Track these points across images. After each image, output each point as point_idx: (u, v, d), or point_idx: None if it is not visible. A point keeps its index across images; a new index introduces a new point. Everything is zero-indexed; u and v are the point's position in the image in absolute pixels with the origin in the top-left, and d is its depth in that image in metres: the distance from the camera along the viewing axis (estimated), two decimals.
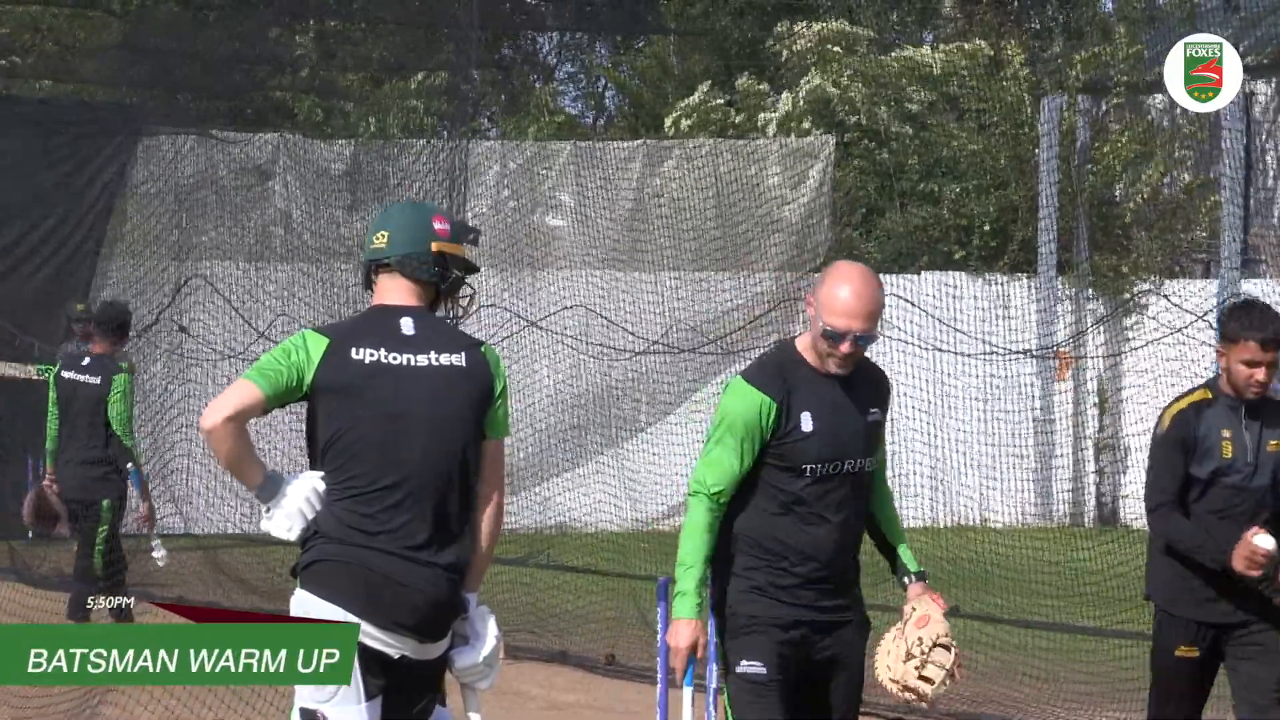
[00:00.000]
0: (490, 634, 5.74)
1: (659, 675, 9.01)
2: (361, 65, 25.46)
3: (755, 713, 5.83)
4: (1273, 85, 25.13)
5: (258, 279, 20.49)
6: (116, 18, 23.34)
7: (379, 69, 25.41)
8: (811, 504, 5.86)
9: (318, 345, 5.77)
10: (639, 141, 24.18)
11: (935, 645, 5.84)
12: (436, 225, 5.89)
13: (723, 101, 25.76)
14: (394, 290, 5.86)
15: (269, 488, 5.70)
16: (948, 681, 5.86)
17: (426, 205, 6.22)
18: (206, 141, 21.80)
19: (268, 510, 5.71)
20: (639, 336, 20.81)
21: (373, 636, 5.60)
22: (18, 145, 20.74)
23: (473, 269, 5.94)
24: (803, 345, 6.02)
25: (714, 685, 8.98)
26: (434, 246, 5.84)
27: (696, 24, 28.70)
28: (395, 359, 5.74)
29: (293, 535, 5.73)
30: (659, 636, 9.06)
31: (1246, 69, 24.83)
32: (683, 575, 5.83)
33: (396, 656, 5.62)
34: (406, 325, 5.79)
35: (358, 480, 5.68)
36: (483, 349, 5.82)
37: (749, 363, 6.16)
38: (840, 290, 5.93)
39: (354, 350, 5.76)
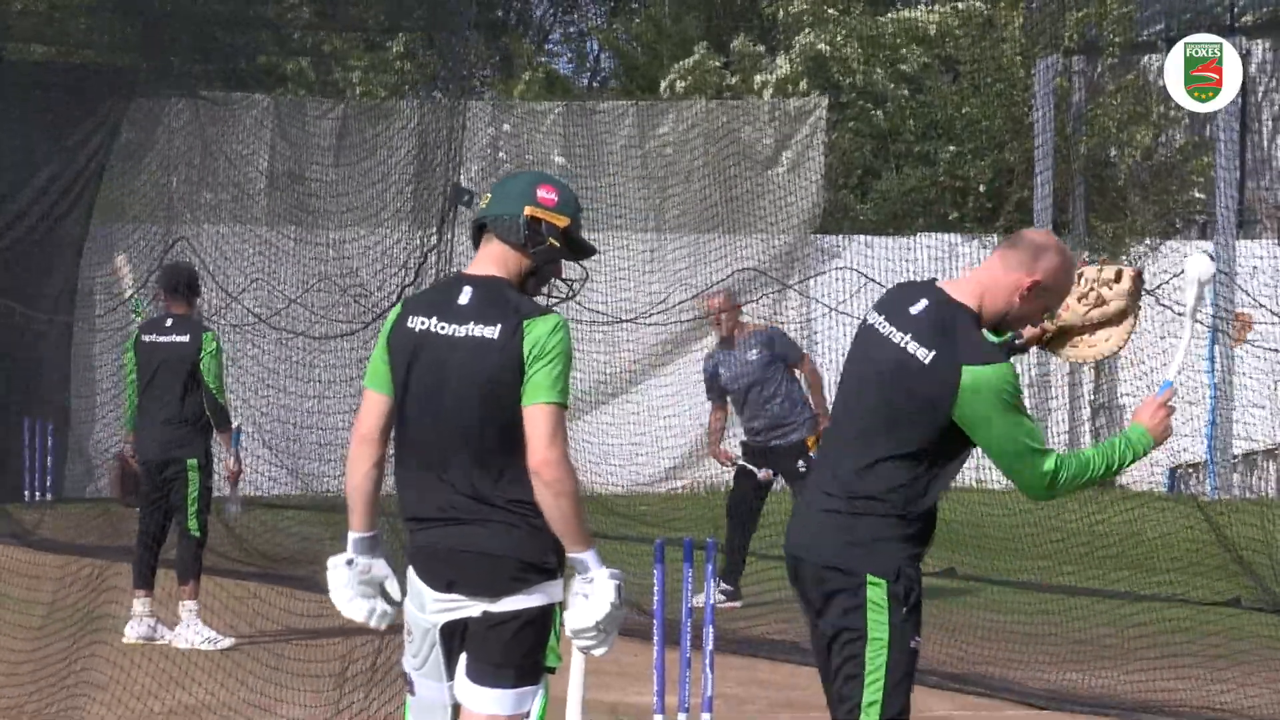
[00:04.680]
0: (604, 599, 5.49)
1: (655, 639, 9.04)
2: (354, 25, 25.45)
3: (910, 684, 5.65)
4: (1267, 44, 25.14)
5: (245, 240, 20.52)
6: None
7: (372, 29, 25.40)
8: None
9: (393, 314, 5.76)
10: (631, 102, 24.21)
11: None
12: (539, 192, 5.71)
13: (719, 64, 25.78)
14: (482, 258, 5.73)
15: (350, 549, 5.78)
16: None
17: (541, 174, 5.93)
18: (196, 103, 21.81)
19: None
20: (623, 306, 20.86)
21: (442, 600, 5.58)
22: (7, 107, 20.75)
23: (583, 250, 5.76)
24: (979, 304, 5.73)
25: (709, 646, 9.05)
26: (527, 210, 5.67)
27: None
28: (442, 328, 5.62)
29: (362, 618, 5.79)
30: (655, 599, 9.11)
31: (1243, 29, 24.95)
32: (1119, 451, 5.58)
33: (477, 613, 5.52)
34: (464, 295, 5.65)
35: (396, 450, 5.69)
36: (526, 320, 5.55)
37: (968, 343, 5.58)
38: (1073, 274, 5.85)
39: (410, 318, 5.69)
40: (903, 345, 5.64)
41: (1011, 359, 5.73)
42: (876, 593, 5.57)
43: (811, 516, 5.77)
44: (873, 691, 5.55)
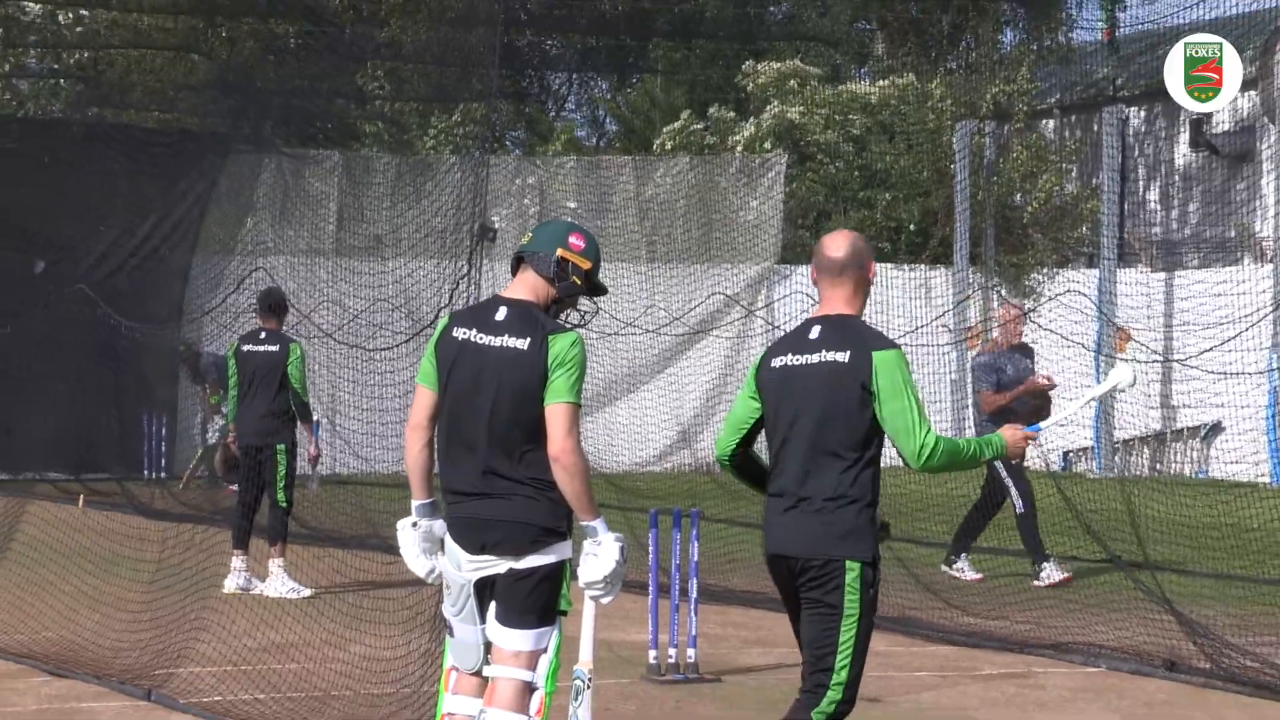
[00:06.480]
0: (610, 557, 5.55)
1: (650, 589, 9.11)
2: (412, 97, 25.60)
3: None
4: (1143, 111, 25.27)
5: (318, 268, 20.58)
6: (210, 59, 23.44)
7: (425, 100, 25.54)
8: None
9: (441, 325, 5.77)
10: (630, 157, 24.31)
11: None
12: (571, 239, 5.74)
13: (700, 127, 25.88)
14: (518, 283, 5.75)
15: (414, 514, 5.80)
16: None
17: (574, 224, 5.96)
18: (280, 158, 21.88)
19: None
20: (621, 320, 20.88)
21: (475, 561, 5.61)
22: (125, 165, 20.82)
23: (599, 290, 5.78)
24: (858, 312, 5.66)
25: (694, 595, 9.12)
26: (559, 252, 5.70)
27: (678, 66, 28.83)
28: (481, 339, 5.62)
29: (423, 574, 5.81)
30: (649, 557, 9.19)
31: (1122, 98, 25.02)
32: (978, 446, 5.51)
33: (504, 570, 5.58)
34: (501, 313, 5.65)
35: (439, 437, 5.70)
36: (550, 335, 5.57)
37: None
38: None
39: (455, 329, 5.70)
40: (824, 360, 5.51)
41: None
42: (852, 575, 5.44)
43: (791, 518, 5.52)
44: (841, 657, 5.44)
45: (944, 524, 14.57)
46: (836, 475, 5.43)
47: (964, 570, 12.35)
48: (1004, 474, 12.20)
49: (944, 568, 12.41)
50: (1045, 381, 12.51)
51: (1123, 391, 5.86)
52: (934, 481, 16.00)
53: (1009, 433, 5.63)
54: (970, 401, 12.62)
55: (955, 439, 5.50)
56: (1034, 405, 12.29)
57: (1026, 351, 12.79)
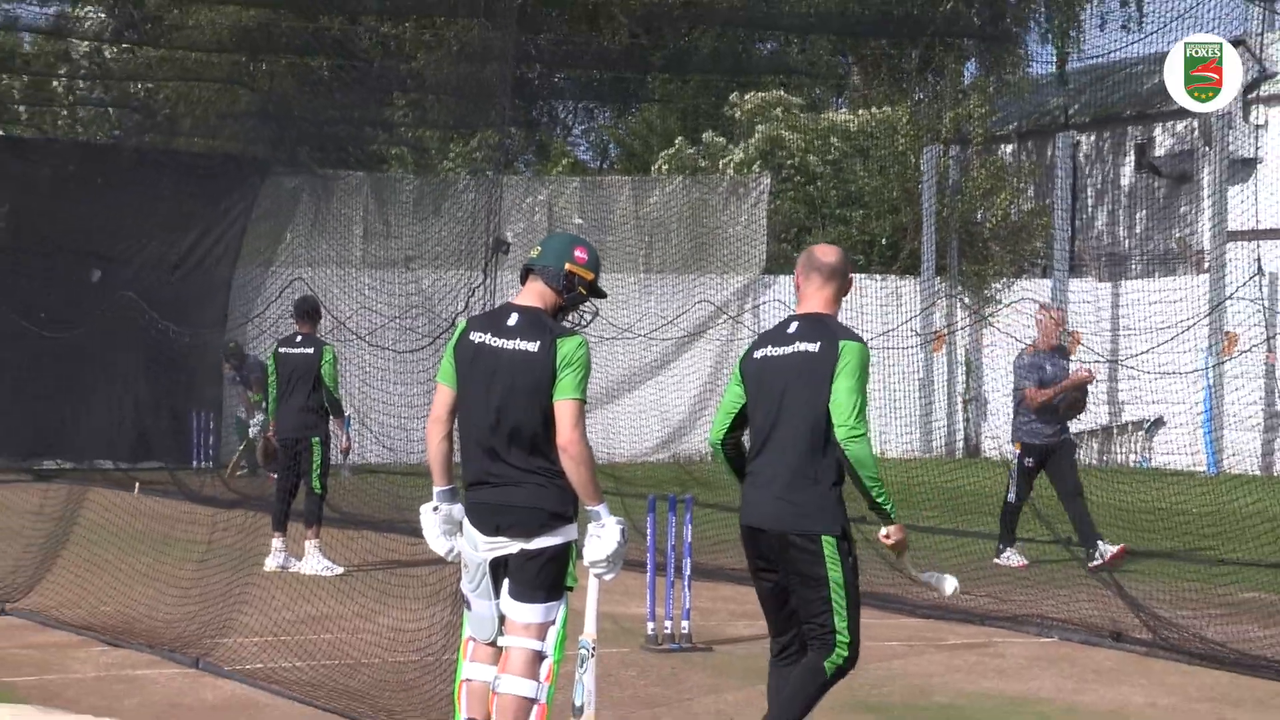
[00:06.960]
0: (612, 539, 5.56)
1: (648, 568, 9.14)
2: (433, 125, 25.66)
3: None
4: (1093, 137, 25.28)
5: (347, 278, 20.61)
6: (252, 91, 23.49)
7: (445, 128, 25.59)
8: None
9: (458, 329, 5.78)
10: (629, 178, 24.36)
11: None
12: (576, 253, 5.74)
13: (693, 151, 25.92)
14: (527, 292, 5.75)
15: (436, 500, 5.78)
16: None
17: (577, 237, 5.94)
18: (313, 179, 21.89)
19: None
20: (618, 326, 20.86)
21: (490, 542, 5.62)
22: (172, 186, 20.86)
23: (599, 294, 5.80)
24: (833, 310, 5.72)
25: (688, 573, 9.13)
26: (566, 266, 5.71)
27: (673, 96, 28.89)
28: (495, 342, 5.61)
29: (443, 554, 5.79)
30: (648, 538, 9.21)
31: (1073, 125, 25.02)
32: (884, 491, 5.54)
33: (516, 550, 5.59)
34: (513, 319, 5.65)
35: (458, 430, 5.71)
36: (558, 339, 5.56)
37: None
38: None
39: (472, 332, 5.70)
40: (797, 350, 5.59)
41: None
42: (842, 529, 5.58)
43: (765, 495, 5.61)
44: (839, 619, 5.55)
45: (910, 509, 14.62)
46: (804, 456, 5.51)
47: (1102, 555, 11.94)
48: (1013, 469, 12.24)
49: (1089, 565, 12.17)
50: (1087, 374, 12.47)
51: (937, 591, 5.98)
52: (905, 469, 16.00)
53: (902, 530, 5.66)
54: (1014, 399, 12.53)
55: (876, 461, 5.51)
56: (1072, 398, 12.26)
57: (1063, 353, 12.59)
